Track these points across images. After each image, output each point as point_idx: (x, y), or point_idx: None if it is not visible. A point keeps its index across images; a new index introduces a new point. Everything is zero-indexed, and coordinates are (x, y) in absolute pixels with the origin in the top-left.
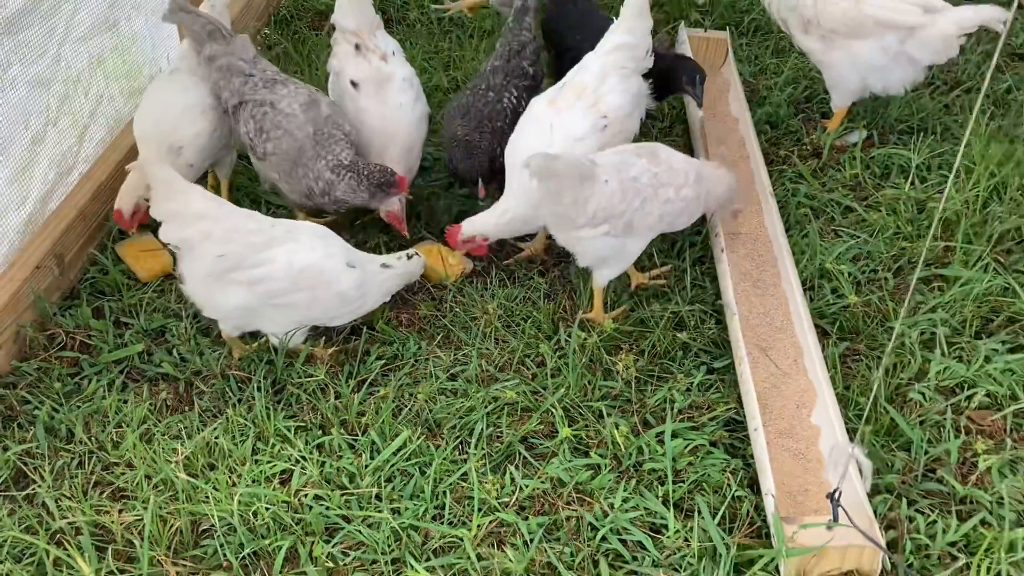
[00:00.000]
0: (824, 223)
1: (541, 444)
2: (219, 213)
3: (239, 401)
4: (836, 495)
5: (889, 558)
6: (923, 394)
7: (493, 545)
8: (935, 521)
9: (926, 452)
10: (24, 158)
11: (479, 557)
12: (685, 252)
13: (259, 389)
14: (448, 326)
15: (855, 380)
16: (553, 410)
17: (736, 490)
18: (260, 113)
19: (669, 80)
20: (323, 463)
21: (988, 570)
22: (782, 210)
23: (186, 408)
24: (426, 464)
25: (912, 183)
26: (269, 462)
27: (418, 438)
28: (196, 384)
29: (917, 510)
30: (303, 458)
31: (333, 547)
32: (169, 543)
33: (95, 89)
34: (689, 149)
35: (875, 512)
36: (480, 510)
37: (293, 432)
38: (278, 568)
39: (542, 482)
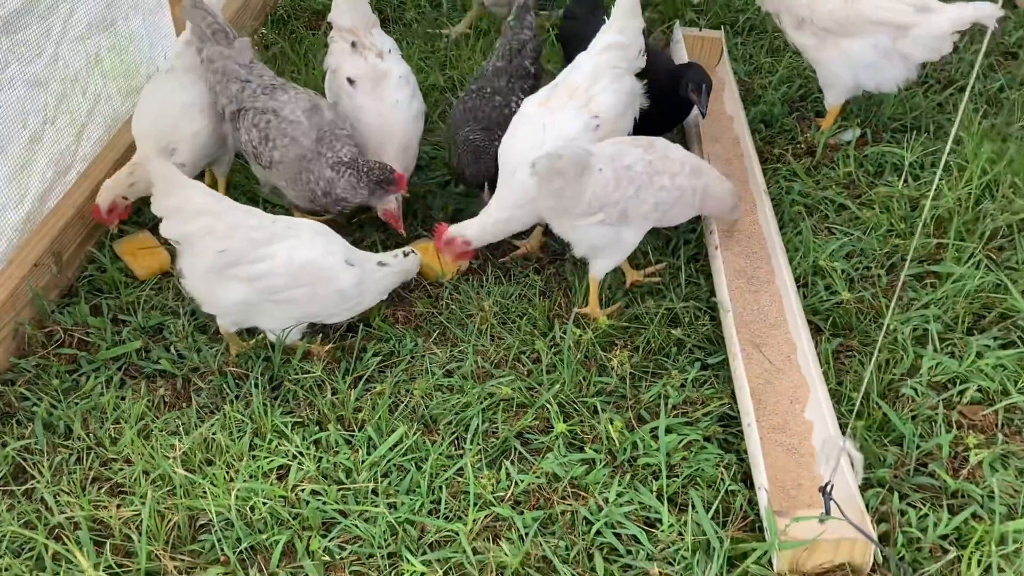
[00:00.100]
0: (818, 221)
1: (536, 439)
2: (220, 209)
3: (236, 397)
4: (828, 489)
5: (881, 551)
6: (915, 389)
7: (489, 539)
8: (927, 515)
9: (918, 447)
10: (22, 157)
11: (475, 551)
12: (679, 250)
13: (256, 385)
14: (444, 323)
15: (848, 376)
16: (548, 406)
17: (730, 484)
18: (263, 122)
19: (679, 104)
20: (320, 458)
21: (979, 563)
22: (776, 208)
23: (184, 404)
24: (422, 459)
25: (905, 181)
26: (266, 457)
27: (414, 434)
28: (194, 380)
29: (909, 504)
30: (300, 453)
31: (330, 541)
32: (167, 538)
33: (92, 88)
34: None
35: (867, 506)
36: (476, 505)
37: (290, 428)
38: (275, 562)
39: (537, 477)
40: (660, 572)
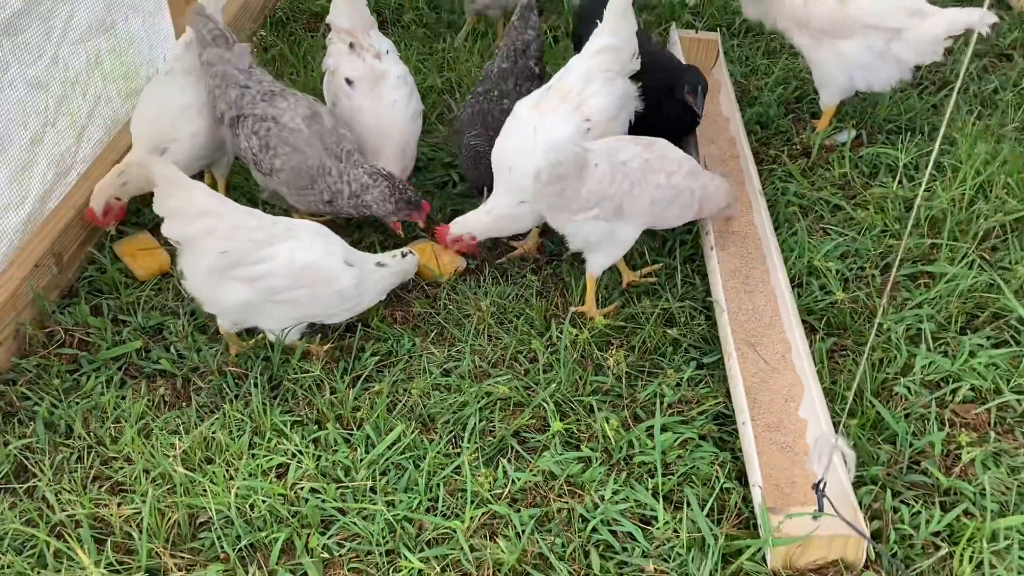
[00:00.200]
0: (813, 221)
1: (533, 438)
2: (221, 210)
3: (236, 397)
4: (821, 486)
5: (873, 547)
6: (908, 388)
7: (486, 536)
8: (919, 512)
9: (911, 445)
10: (23, 158)
11: (472, 548)
12: (676, 250)
13: (256, 385)
14: (442, 323)
15: (842, 375)
16: (545, 405)
17: (724, 482)
18: (263, 129)
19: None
20: (319, 457)
21: (971, 559)
22: (771, 209)
23: (184, 404)
24: (420, 458)
25: (900, 182)
26: (266, 456)
27: (412, 432)
28: (193, 380)
29: (902, 501)
30: (299, 452)
31: (329, 539)
32: (167, 535)
33: (93, 90)
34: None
35: (860, 503)
36: (473, 502)
37: (289, 427)
38: (275, 559)
39: (534, 475)
40: (656, 569)
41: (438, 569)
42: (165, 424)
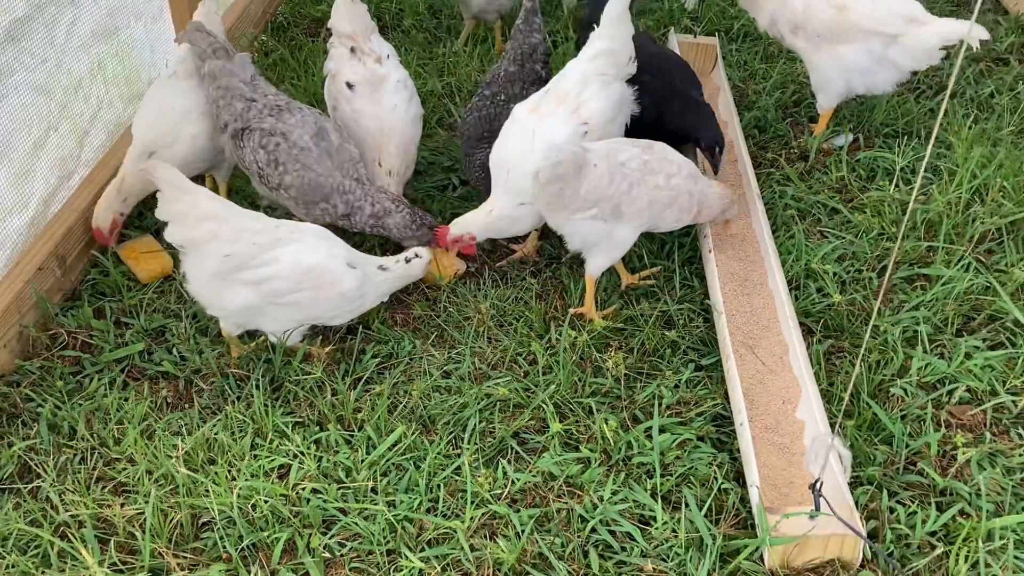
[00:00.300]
0: (810, 224)
1: (532, 439)
2: (225, 214)
3: (238, 398)
4: (818, 485)
5: (870, 547)
6: (905, 390)
7: (486, 536)
8: (915, 512)
9: (907, 445)
10: (27, 162)
11: (472, 548)
12: (674, 253)
13: (258, 387)
14: (442, 325)
15: (839, 376)
16: (544, 406)
17: (722, 483)
18: (272, 144)
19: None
20: (320, 458)
21: (966, 558)
22: (769, 212)
23: (186, 405)
24: (420, 459)
25: (896, 185)
26: (268, 457)
27: (413, 434)
28: (196, 382)
29: (898, 501)
30: (301, 453)
31: (330, 539)
32: (170, 535)
33: (95, 95)
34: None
35: (857, 503)
36: (473, 503)
37: (291, 428)
38: (276, 559)
39: (533, 475)
40: (654, 568)
41: (439, 569)
42: (168, 425)
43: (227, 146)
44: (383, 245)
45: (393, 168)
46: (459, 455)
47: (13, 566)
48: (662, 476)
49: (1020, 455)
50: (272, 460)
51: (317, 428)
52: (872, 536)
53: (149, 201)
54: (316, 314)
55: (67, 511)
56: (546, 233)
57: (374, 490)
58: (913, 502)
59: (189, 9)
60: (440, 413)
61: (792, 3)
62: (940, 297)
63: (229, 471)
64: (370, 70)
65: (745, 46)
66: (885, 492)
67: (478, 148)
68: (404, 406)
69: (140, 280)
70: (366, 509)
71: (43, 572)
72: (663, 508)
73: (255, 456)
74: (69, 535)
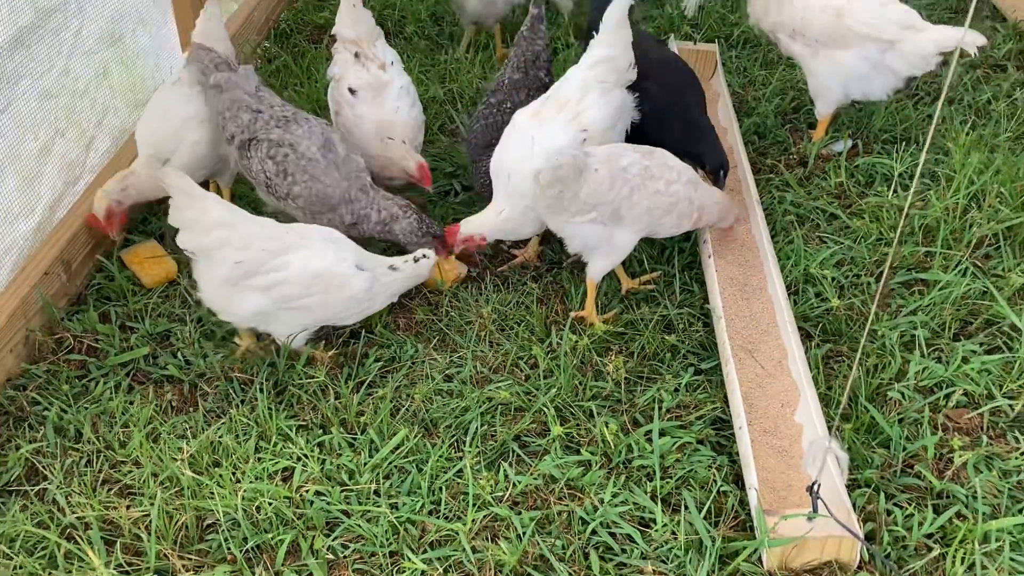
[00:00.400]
0: (809, 230)
1: (534, 442)
2: (235, 221)
3: (242, 402)
4: (815, 488)
5: (867, 548)
6: (902, 393)
7: (487, 538)
8: (912, 514)
9: (904, 448)
10: (33, 168)
11: (474, 550)
12: (674, 258)
13: (261, 390)
14: (444, 329)
15: (837, 380)
16: (545, 409)
17: (721, 485)
18: (281, 155)
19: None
20: (323, 460)
21: (963, 560)
22: (768, 217)
23: (191, 409)
24: (423, 461)
25: (895, 191)
26: (271, 460)
27: (415, 437)
28: (200, 386)
29: (895, 504)
30: (304, 456)
31: (333, 540)
32: (175, 537)
33: (101, 101)
34: None
35: (854, 505)
36: (475, 505)
37: (294, 431)
38: (280, 561)
39: (534, 478)
40: (654, 570)
41: (440, 570)
42: (173, 428)
43: (233, 157)
44: (387, 249)
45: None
46: (461, 458)
47: (21, 567)
48: (662, 479)
49: (1016, 458)
50: (276, 463)
51: (320, 431)
52: (869, 538)
53: (154, 206)
54: (326, 316)
55: (73, 513)
56: (547, 238)
57: (377, 492)
58: (910, 504)
59: (193, 16)
60: (442, 416)
61: (790, 8)
62: (938, 302)
63: (233, 474)
64: (374, 76)
65: (745, 52)
66: (882, 494)
67: (485, 155)
68: (406, 409)
69: (145, 285)
70: (369, 511)
71: (50, 573)
72: (663, 510)
73: (259, 459)
74: (76, 537)
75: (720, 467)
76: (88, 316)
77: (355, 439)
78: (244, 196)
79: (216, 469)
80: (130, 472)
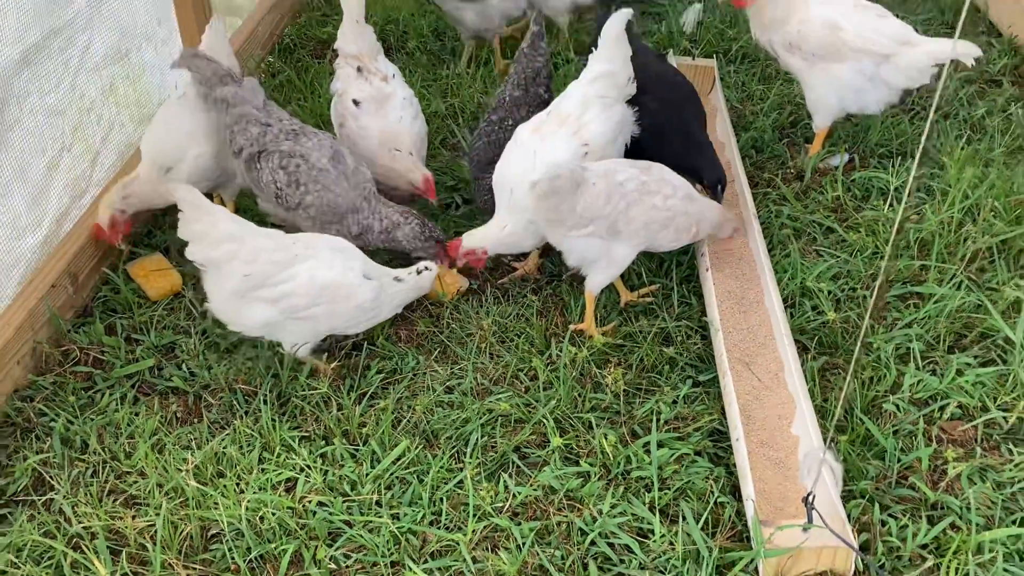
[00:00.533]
0: (806, 243)
1: (533, 453)
2: (244, 234)
3: (246, 413)
4: (810, 499)
5: (862, 559)
6: (897, 405)
7: (488, 549)
8: (906, 525)
9: (899, 460)
10: (40, 182)
11: (474, 560)
12: (672, 271)
13: (265, 402)
14: (445, 342)
15: (833, 393)
16: (545, 421)
17: (719, 496)
18: (293, 165)
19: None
20: (326, 471)
21: (956, 571)
22: (765, 231)
23: (195, 420)
24: (424, 472)
25: (891, 205)
26: (275, 470)
27: (416, 448)
28: (205, 397)
29: (890, 514)
30: (307, 466)
31: (336, 550)
32: (180, 547)
33: (107, 116)
34: None
35: (849, 516)
36: (475, 516)
37: (297, 442)
38: (283, 570)
39: (534, 489)
40: None
41: None
42: (178, 439)
43: (239, 170)
44: (392, 262)
45: (401, 178)
46: (462, 469)
47: None
48: (660, 490)
49: (1010, 470)
50: (279, 473)
51: (323, 442)
52: (864, 548)
53: (158, 219)
54: (334, 326)
55: (80, 523)
56: (547, 251)
57: (378, 503)
58: (905, 515)
59: (198, 32)
60: (443, 428)
61: (789, 23)
62: (933, 315)
63: (237, 484)
64: (376, 88)
65: (743, 68)
66: (877, 505)
67: (487, 172)
68: (408, 421)
69: (150, 297)
70: (371, 522)
71: None
72: (661, 521)
73: (263, 469)
74: (82, 546)
75: (717, 478)
76: (94, 328)
77: (357, 450)
78: (249, 209)
79: (220, 480)
80: (135, 482)
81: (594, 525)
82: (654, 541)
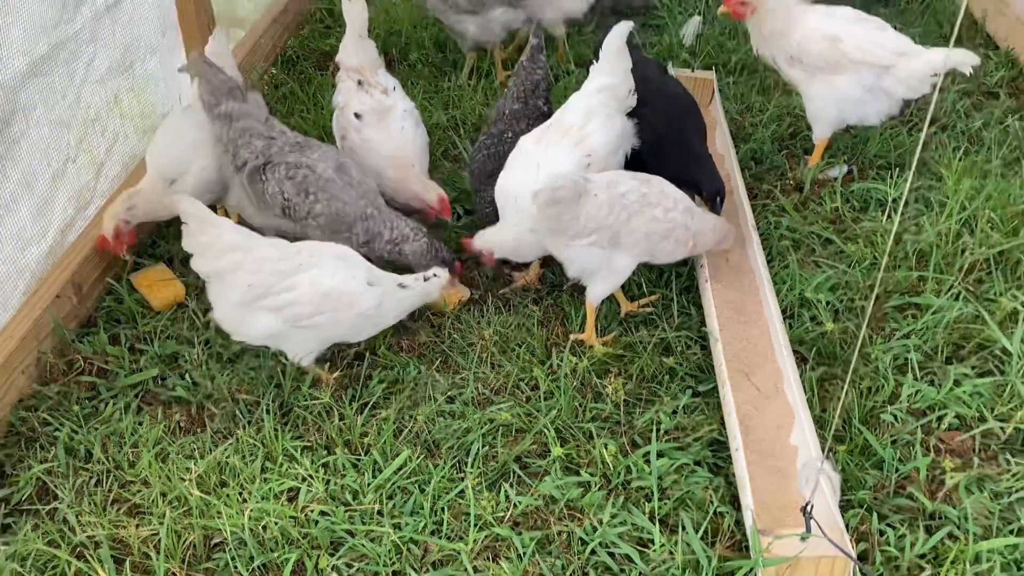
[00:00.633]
0: (804, 254)
1: (534, 463)
2: (248, 244)
3: (249, 423)
4: (808, 508)
5: (860, 569)
6: (895, 416)
7: (489, 558)
8: (904, 535)
9: (897, 470)
10: (46, 194)
11: (475, 569)
12: (672, 282)
13: (267, 411)
14: (446, 351)
15: (831, 403)
16: (546, 431)
17: (718, 506)
18: (300, 175)
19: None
20: (328, 481)
21: None
22: (765, 242)
23: (198, 429)
24: (425, 482)
25: (889, 216)
26: (277, 480)
27: (418, 457)
28: (208, 407)
29: (888, 524)
30: (309, 476)
31: (338, 560)
32: (183, 556)
33: (111, 128)
34: None
35: (847, 526)
36: (476, 525)
37: (300, 452)
38: None
39: (535, 499)
40: None
41: None
42: (181, 449)
43: (241, 184)
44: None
45: (405, 190)
46: (463, 479)
47: None
48: (660, 500)
49: (1007, 480)
50: (282, 483)
51: (325, 452)
52: (862, 558)
53: (162, 230)
54: (338, 334)
55: (84, 532)
56: (548, 261)
57: (380, 512)
58: (903, 525)
59: (202, 44)
60: (444, 437)
61: (789, 36)
62: (930, 326)
63: (240, 493)
64: (377, 100)
65: (742, 79)
66: (875, 515)
67: (487, 185)
68: (409, 430)
69: (154, 308)
70: (373, 531)
71: None
72: (661, 531)
73: (265, 479)
74: (86, 555)
75: (717, 488)
76: (98, 338)
77: (359, 460)
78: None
79: (223, 489)
80: (139, 491)
81: (594, 535)
82: (654, 550)
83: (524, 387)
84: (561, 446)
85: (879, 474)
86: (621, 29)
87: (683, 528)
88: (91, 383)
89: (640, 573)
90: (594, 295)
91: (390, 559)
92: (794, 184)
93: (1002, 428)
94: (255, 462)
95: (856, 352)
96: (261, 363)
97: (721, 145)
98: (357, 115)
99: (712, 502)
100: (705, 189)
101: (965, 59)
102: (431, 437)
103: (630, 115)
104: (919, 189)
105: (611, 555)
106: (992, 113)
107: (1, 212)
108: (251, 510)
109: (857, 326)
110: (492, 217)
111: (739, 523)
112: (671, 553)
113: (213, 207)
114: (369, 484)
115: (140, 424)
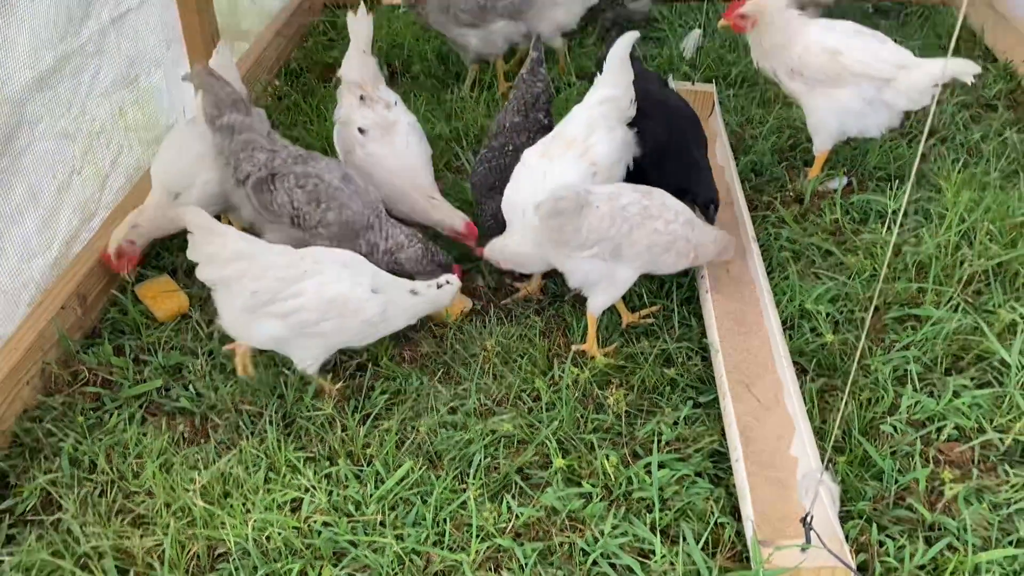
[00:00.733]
0: (804, 266)
1: (536, 474)
2: (253, 252)
3: (252, 433)
4: (808, 519)
5: None
6: (895, 427)
7: (491, 569)
8: (904, 545)
9: (896, 481)
10: (51, 205)
11: None
12: (673, 293)
13: (270, 422)
14: (448, 362)
15: (831, 414)
16: (547, 442)
17: (719, 517)
18: (311, 184)
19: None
20: (331, 492)
21: None
22: (765, 254)
23: (202, 440)
24: (427, 493)
25: (888, 228)
26: (280, 490)
27: (420, 468)
28: (211, 418)
29: (887, 535)
30: (312, 487)
31: (341, 570)
32: (187, 566)
33: (116, 140)
34: None
35: (847, 536)
36: (478, 536)
37: (303, 463)
38: None
39: (537, 510)
40: None
41: None
42: (185, 460)
43: (245, 197)
44: None
45: (412, 203)
46: (465, 490)
47: None
48: (661, 511)
49: (1006, 491)
50: (285, 494)
51: (328, 463)
52: (862, 569)
53: (166, 242)
54: (344, 340)
55: (88, 543)
56: (550, 272)
57: (383, 523)
58: (902, 536)
59: (206, 57)
60: (447, 449)
61: (790, 49)
62: (930, 337)
63: (244, 504)
64: (380, 115)
65: (742, 92)
66: (875, 526)
67: (489, 198)
68: (412, 442)
69: (158, 319)
70: (375, 542)
71: None
72: (662, 542)
73: (268, 490)
74: (90, 566)
75: (717, 499)
76: (103, 349)
77: (361, 471)
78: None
79: (227, 499)
80: (143, 502)
81: (596, 546)
82: (655, 561)
83: (526, 398)
84: (563, 457)
85: (879, 485)
86: (626, 40)
87: (684, 539)
88: (95, 394)
89: None
90: (595, 306)
91: (392, 570)
92: (794, 196)
93: (1001, 439)
94: (258, 473)
95: (856, 363)
96: (262, 376)
97: (721, 157)
98: (361, 130)
99: (713, 513)
100: (699, 197)
101: (965, 68)
102: (433, 448)
103: (630, 126)
104: (918, 201)
105: (612, 566)
106: (991, 125)
107: (6, 224)
108: (254, 521)
109: (857, 337)
110: (494, 229)
111: (740, 534)
112: (672, 564)
113: (217, 217)
114: (372, 495)
115: (144, 435)
